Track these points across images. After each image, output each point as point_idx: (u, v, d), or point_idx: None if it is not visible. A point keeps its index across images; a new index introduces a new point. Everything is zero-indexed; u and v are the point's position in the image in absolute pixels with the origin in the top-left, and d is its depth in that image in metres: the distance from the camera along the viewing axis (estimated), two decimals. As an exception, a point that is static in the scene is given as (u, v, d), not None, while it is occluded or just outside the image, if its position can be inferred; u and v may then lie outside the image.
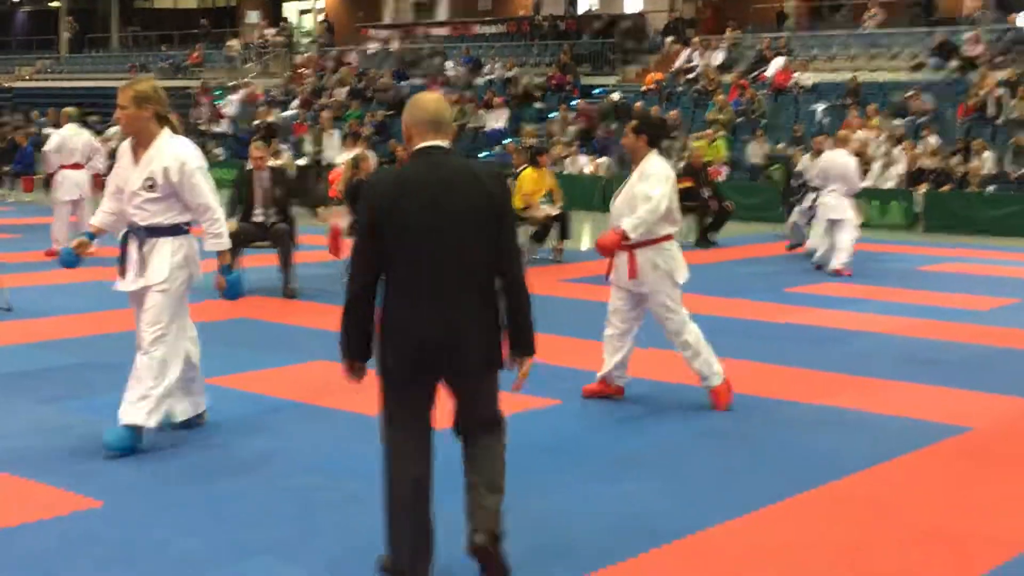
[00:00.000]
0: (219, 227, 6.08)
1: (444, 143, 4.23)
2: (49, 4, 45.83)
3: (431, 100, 4.35)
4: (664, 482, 5.71)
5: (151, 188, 5.85)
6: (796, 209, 15.21)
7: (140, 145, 5.93)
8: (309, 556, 4.60)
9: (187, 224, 6.06)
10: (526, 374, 4.33)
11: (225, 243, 6.16)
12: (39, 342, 8.72)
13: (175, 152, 5.89)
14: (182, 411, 6.31)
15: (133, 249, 5.98)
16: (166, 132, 5.95)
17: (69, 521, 4.95)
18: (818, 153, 14.50)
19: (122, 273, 6.04)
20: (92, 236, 6.31)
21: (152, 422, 5.92)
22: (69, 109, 14.99)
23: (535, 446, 6.16)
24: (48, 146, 14.16)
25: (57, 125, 15.58)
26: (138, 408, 5.88)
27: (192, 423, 6.37)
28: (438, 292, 4.13)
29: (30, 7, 49.34)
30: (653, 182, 6.98)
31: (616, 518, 5.14)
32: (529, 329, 4.31)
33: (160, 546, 4.67)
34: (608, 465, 5.98)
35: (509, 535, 4.35)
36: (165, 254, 5.93)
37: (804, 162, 15.64)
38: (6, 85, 39.65)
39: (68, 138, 14.08)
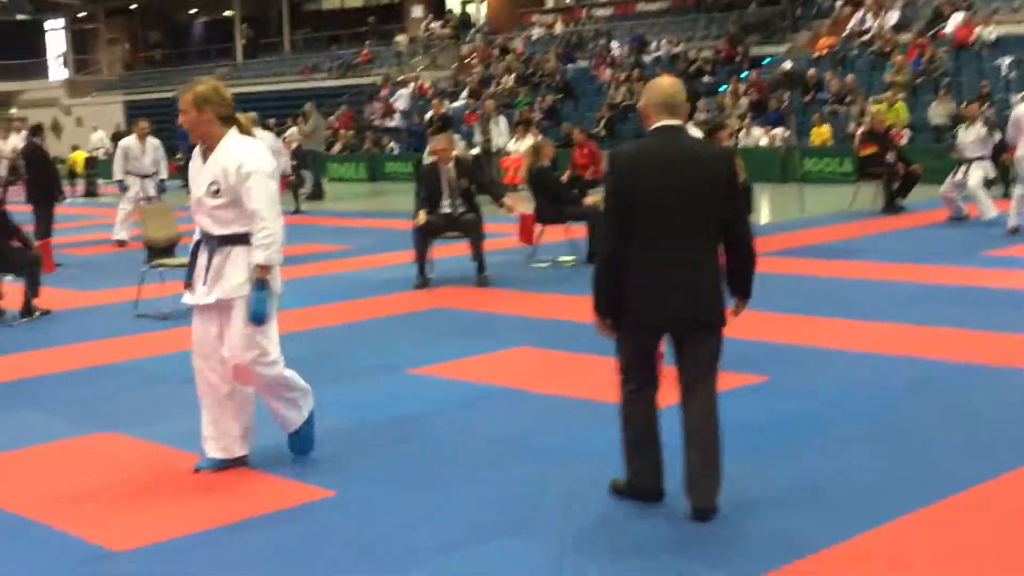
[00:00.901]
0: (267, 238, 5.38)
1: (678, 122, 4.81)
2: (224, 14, 47.42)
3: (667, 84, 4.91)
4: (884, 457, 5.59)
5: (216, 194, 5.42)
6: (948, 181, 14.63)
7: (208, 149, 5.51)
8: (547, 538, 4.66)
9: None
10: (740, 311, 5.04)
11: (267, 257, 5.40)
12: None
13: (233, 153, 5.42)
14: (223, 448, 5.70)
15: (204, 259, 5.55)
16: (231, 133, 5.49)
17: (305, 511, 5.13)
18: (973, 122, 14.32)
19: (190, 286, 5.63)
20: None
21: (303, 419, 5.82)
22: (251, 115, 15.48)
23: (747, 424, 6.11)
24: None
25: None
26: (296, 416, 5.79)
27: (222, 464, 5.68)
28: (676, 253, 4.72)
29: (206, 17, 51.15)
30: None
31: (837, 495, 5.06)
32: (751, 280, 4.94)
33: (396, 533, 4.80)
34: (825, 441, 5.89)
35: (729, 517, 4.66)
36: (243, 265, 5.46)
37: (960, 133, 15.02)
38: (187, 95, 41.10)
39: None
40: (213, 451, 5.67)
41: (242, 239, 5.46)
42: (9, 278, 10.32)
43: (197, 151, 5.59)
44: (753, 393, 6.79)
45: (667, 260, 4.72)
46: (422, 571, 4.41)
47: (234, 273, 5.46)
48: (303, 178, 21.64)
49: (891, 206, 15.77)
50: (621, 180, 4.77)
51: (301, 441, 5.88)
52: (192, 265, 5.62)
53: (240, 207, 5.40)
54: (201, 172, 5.49)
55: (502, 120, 23.24)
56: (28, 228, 11.32)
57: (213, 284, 5.49)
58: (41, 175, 14.66)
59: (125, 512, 5.14)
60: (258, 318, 5.44)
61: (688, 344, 4.83)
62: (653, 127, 4.81)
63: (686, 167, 4.72)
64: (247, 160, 5.37)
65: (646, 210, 4.68)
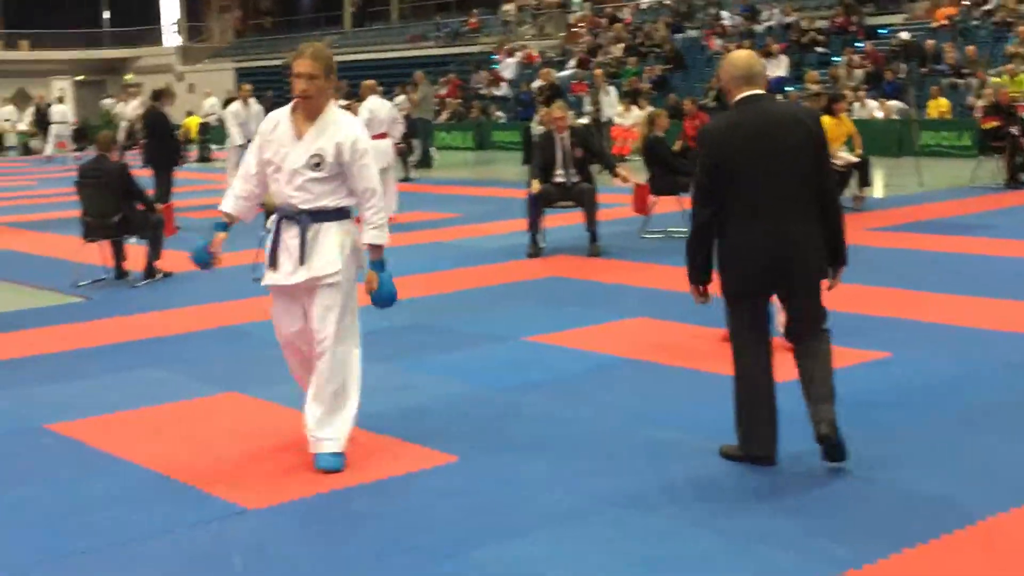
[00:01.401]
0: (383, 216, 5.25)
1: (760, 91, 5.01)
2: (333, -18, 47.83)
3: (742, 56, 5.13)
4: (1020, 434, 5.47)
5: (317, 167, 5.13)
6: None
7: (307, 119, 5.19)
8: (667, 508, 4.66)
9: (350, 209, 5.34)
10: (839, 280, 5.13)
11: (385, 236, 5.29)
12: (365, 305, 9.13)
13: (348, 128, 5.20)
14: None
15: (291, 236, 5.21)
16: (333, 105, 5.29)
17: (430, 475, 5.18)
18: None
19: (274, 264, 5.25)
20: (225, 226, 5.42)
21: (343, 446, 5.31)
22: (371, 82, 15.61)
23: (871, 400, 6.01)
24: (360, 119, 14.76)
25: (349, 96, 16.31)
26: (338, 435, 5.30)
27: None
28: (774, 217, 4.87)
29: (316, -14, 51.69)
30: None
31: (971, 475, 4.96)
32: (844, 244, 5.06)
33: (518, 499, 4.82)
34: (952, 420, 5.76)
35: (856, 496, 4.68)
36: (334, 242, 5.21)
37: None
38: (298, 62, 41.60)
39: (375, 110, 14.69)
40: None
41: (333, 214, 5.22)
42: (133, 240, 10.58)
43: (276, 119, 5.28)
44: (877, 368, 6.67)
45: (770, 226, 4.87)
46: (545, 536, 4.43)
47: (328, 250, 5.19)
48: (412, 146, 21.78)
49: (1014, 181, 15.35)
50: (713, 153, 4.92)
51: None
52: (276, 243, 5.23)
53: (338, 182, 5.18)
54: (296, 143, 5.16)
55: (612, 90, 23.10)
56: (148, 192, 11.55)
57: (305, 262, 5.17)
58: (163, 140, 14.95)
59: (257, 471, 5.25)
60: (392, 298, 5.37)
61: (795, 304, 5.03)
62: (738, 99, 4.98)
63: (779, 132, 4.91)
64: (362, 137, 5.22)
65: (743, 179, 4.86)
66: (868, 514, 4.53)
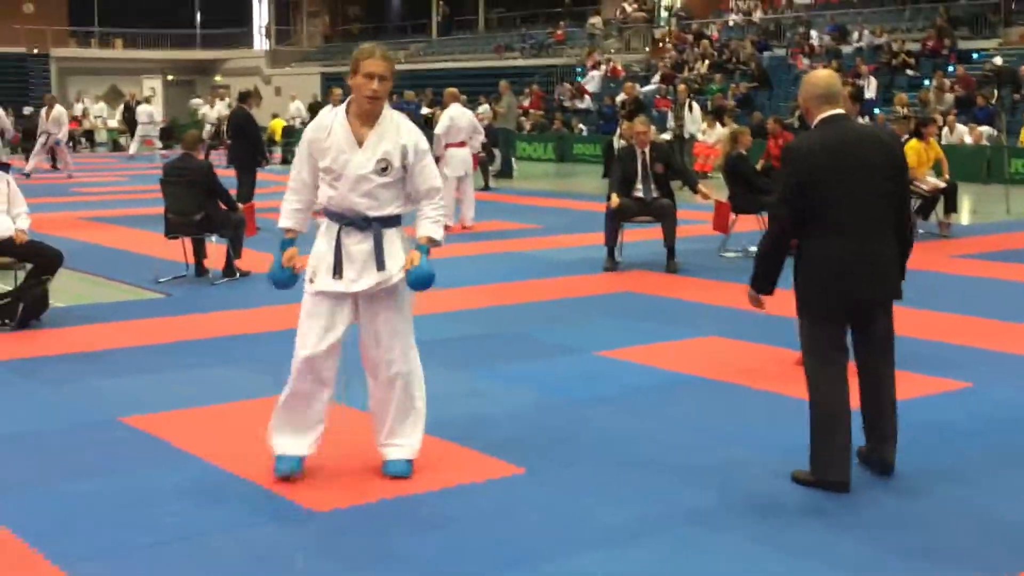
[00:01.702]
0: (443, 210, 5.24)
1: (841, 111, 5.04)
2: (421, -10, 48.19)
3: (822, 76, 5.15)
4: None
5: (384, 171, 5.00)
6: None
7: (365, 122, 5.03)
8: (734, 530, 4.58)
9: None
10: None
11: (442, 233, 5.22)
12: (442, 313, 9.15)
13: (409, 130, 5.08)
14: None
15: (355, 242, 5.07)
16: (388, 107, 5.14)
17: (497, 485, 5.15)
18: None
19: (338, 272, 5.08)
20: (292, 241, 5.24)
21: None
22: (453, 90, 15.65)
23: (951, 430, 5.88)
24: (439, 129, 14.82)
25: (432, 104, 16.39)
26: (410, 442, 5.29)
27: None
28: (856, 235, 4.89)
29: (404, -7, 52.12)
30: None
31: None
32: (905, 265, 5.16)
33: (585, 513, 4.78)
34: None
35: (930, 523, 4.61)
36: (399, 248, 5.14)
37: None
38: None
39: (456, 118, 14.72)
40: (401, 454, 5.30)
41: (396, 220, 5.14)
42: (214, 238, 10.70)
43: (335, 124, 5.04)
44: (958, 399, 6.52)
45: (853, 244, 4.89)
46: (607, 552, 4.38)
47: (394, 255, 5.10)
48: (493, 155, 21.82)
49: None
50: (798, 170, 4.93)
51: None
52: (339, 250, 5.06)
53: (400, 186, 5.08)
54: (358, 149, 4.99)
55: (695, 106, 22.94)
56: (231, 192, 11.69)
57: (370, 269, 5.06)
58: (247, 140, 15.13)
59: (324, 474, 5.25)
60: (430, 279, 5.10)
61: (869, 325, 5.05)
62: (820, 118, 5.03)
63: (861, 151, 4.94)
64: (421, 138, 5.14)
65: (827, 197, 4.88)
66: (947, 538, 4.42)
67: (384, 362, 5.17)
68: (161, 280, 10.56)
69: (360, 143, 5.01)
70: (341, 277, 5.06)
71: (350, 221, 5.07)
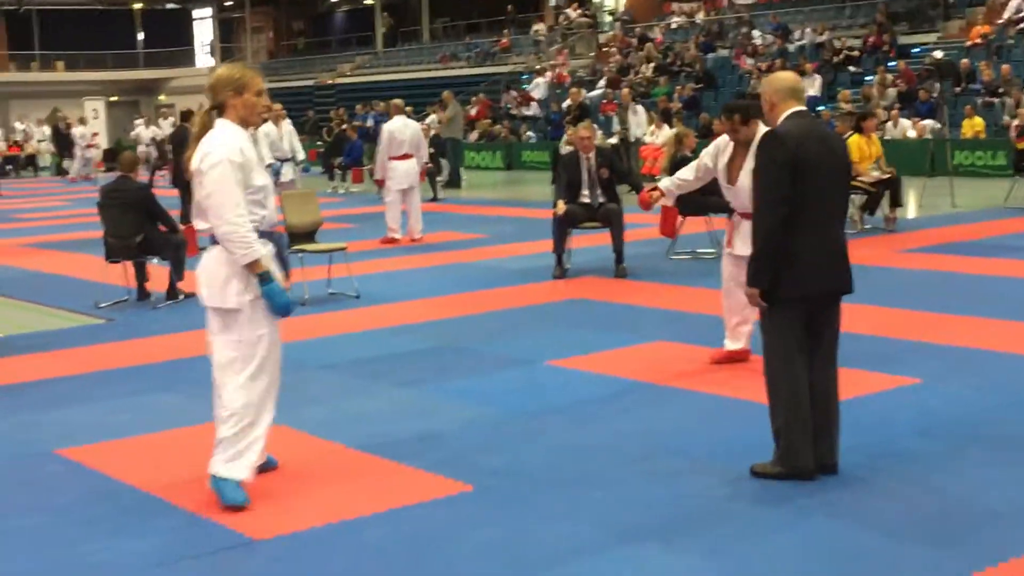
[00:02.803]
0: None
1: (804, 107, 5.19)
2: (365, 2, 48.02)
3: (789, 74, 5.39)
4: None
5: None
6: None
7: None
8: (689, 543, 4.49)
9: None
10: None
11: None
12: (389, 327, 9.04)
13: None
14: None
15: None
16: None
17: (444, 505, 5.03)
18: None
19: None
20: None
21: None
22: (397, 101, 15.52)
23: (907, 427, 5.84)
24: (380, 142, 14.70)
25: (380, 115, 16.27)
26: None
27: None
28: (828, 227, 5.06)
29: (347, 7, 51.92)
30: None
31: (1011, 506, 4.76)
32: None
33: (534, 532, 4.67)
34: (990, 448, 5.56)
35: (893, 522, 4.43)
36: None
37: None
38: (329, 82, 41.83)
39: (398, 130, 14.59)
40: None
41: None
42: (155, 260, 10.51)
43: (244, 143, 5.03)
44: (908, 395, 6.48)
45: (826, 234, 5.05)
46: (559, 571, 4.28)
47: None
48: (440, 166, 21.71)
49: (1049, 203, 15.09)
50: (793, 153, 4.93)
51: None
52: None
53: None
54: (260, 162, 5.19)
55: (640, 109, 22.92)
56: (174, 212, 11.51)
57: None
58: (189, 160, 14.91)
59: (266, 500, 5.11)
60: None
61: (827, 314, 5.12)
62: (788, 112, 5.11)
63: (831, 146, 5.12)
64: None
65: (811, 186, 4.94)
66: (902, 533, 4.36)
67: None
68: (102, 305, 10.36)
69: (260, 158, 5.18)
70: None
71: (269, 236, 5.13)
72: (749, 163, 6.79)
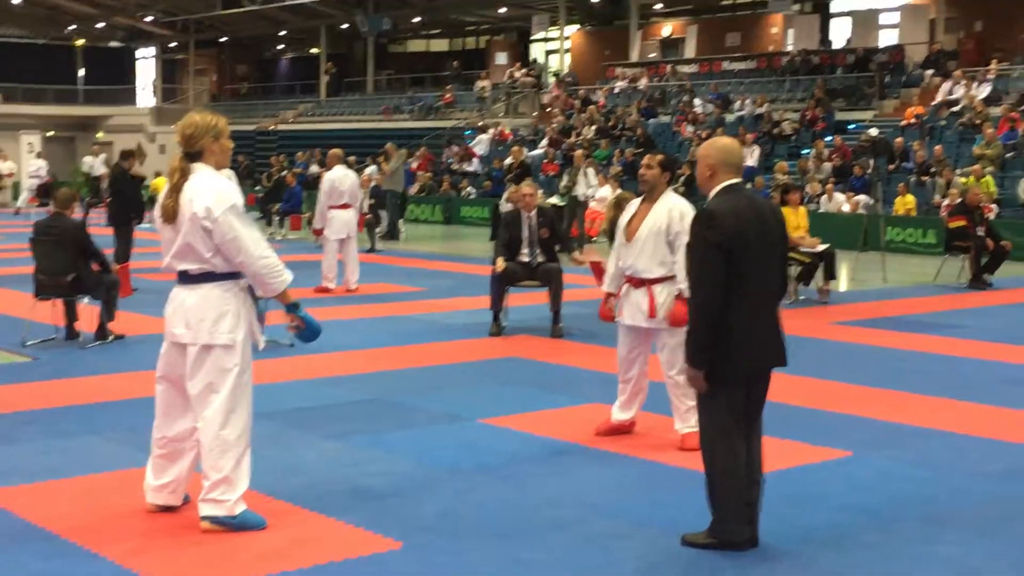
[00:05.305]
0: None
1: (740, 179, 5.18)
2: (310, 51, 48.05)
3: (733, 143, 5.31)
4: (981, 546, 5.30)
5: None
6: None
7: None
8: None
9: None
10: None
11: None
12: (322, 378, 8.95)
13: None
14: None
15: None
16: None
17: (371, 563, 4.96)
18: None
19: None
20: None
21: None
22: (337, 151, 15.47)
23: (837, 501, 5.86)
24: (321, 191, 14.64)
25: (320, 164, 16.20)
26: None
27: None
28: (766, 302, 5.07)
29: (293, 54, 51.95)
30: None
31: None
32: None
33: (464, 591, 4.63)
34: (918, 523, 5.60)
35: None
36: None
37: None
38: (271, 128, 41.71)
39: (339, 179, 14.55)
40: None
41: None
42: (86, 300, 10.34)
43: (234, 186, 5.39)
44: (837, 468, 6.51)
45: (763, 310, 5.05)
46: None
47: None
48: (379, 217, 21.67)
49: (978, 281, 15.37)
50: (726, 234, 4.91)
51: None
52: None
53: None
54: None
55: (591, 172, 22.91)
56: (108, 251, 11.34)
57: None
58: (124, 198, 14.77)
59: (188, 552, 5.00)
60: None
61: (758, 388, 5.14)
62: (725, 184, 5.10)
63: (769, 220, 5.10)
64: None
65: (747, 263, 4.92)
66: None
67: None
68: (29, 343, 10.14)
69: None
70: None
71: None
72: (651, 219, 6.82)
